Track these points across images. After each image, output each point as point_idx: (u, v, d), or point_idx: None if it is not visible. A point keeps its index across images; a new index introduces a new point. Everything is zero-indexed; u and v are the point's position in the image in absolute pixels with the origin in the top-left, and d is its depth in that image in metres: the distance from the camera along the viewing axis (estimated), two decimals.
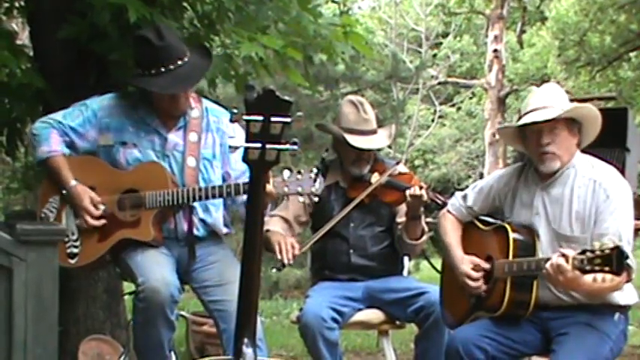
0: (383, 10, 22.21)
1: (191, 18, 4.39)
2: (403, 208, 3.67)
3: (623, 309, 3.06)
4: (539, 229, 3.09)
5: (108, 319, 4.40)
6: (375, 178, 3.70)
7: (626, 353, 3.85)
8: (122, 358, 3.81)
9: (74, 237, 3.36)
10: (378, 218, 3.80)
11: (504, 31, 18.07)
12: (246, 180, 2.27)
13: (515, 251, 3.07)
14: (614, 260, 2.62)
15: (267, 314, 8.25)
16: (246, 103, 2.09)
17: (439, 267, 3.52)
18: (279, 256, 3.55)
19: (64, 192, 3.35)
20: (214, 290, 3.36)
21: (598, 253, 2.66)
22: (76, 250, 3.36)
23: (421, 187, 3.49)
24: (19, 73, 3.96)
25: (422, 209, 3.60)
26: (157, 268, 3.21)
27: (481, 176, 16.77)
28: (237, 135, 2.22)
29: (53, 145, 3.35)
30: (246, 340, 2.20)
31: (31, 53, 4.26)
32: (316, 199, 3.40)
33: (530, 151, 3.13)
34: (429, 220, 3.79)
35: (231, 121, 2.14)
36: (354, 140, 3.67)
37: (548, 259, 2.84)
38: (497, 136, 16.87)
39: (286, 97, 2.09)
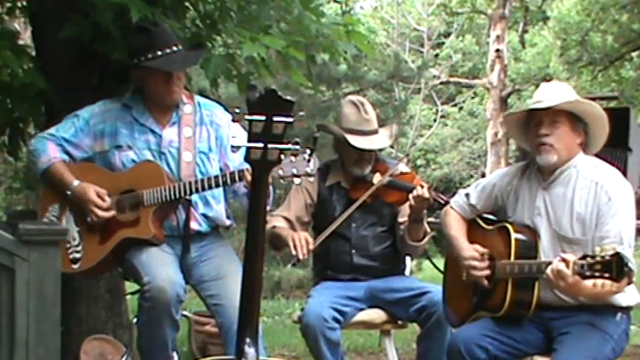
0: (385, 10, 22.21)
1: (193, 18, 4.39)
2: (405, 207, 3.65)
3: (626, 309, 3.06)
4: (540, 230, 3.08)
5: (110, 318, 4.40)
6: (377, 178, 3.69)
7: (628, 353, 3.84)
8: (124, 357, 3.82)
9: (75, 242, 3.37)
10: (380, 218, 3.80)
11: (506, 31, 18.10)
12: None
13: (517, 252, 3.06)
14: (614, 267, 2.62)
15: (269, 314, 8.26)
16: (248, 103, 2.09)
17: (441, 267, 3.52)
18: (293, 252, 3.52)
19: (68, 193, 3.35)
20: (211, 285, 3.36)
21: (598, 259, 2.66)
22: (78, 255, 3.37)
23: (422, 187, 3.48)
24: (21, 73, 3.96)
25: (425, 212, 3.59)
26: (162, 268, 3.21)
27: (483, 176, 16.73)
28: (238, 134, 2.21)
29: (51, 154, 3.38)
30: (248, 339, 2.20)
31: (34, 53, 4.26)
32: (316, 199, 3.38)
33: (530, 143, 3.11)
34: (430, 219, 3.78)
35: (234, 121, 2.14)
36: (355, 141, 3.66)
37: (549, 263, 2.83)
38: (499, 136, 16.91)
39: (288, 97, 2.10)
